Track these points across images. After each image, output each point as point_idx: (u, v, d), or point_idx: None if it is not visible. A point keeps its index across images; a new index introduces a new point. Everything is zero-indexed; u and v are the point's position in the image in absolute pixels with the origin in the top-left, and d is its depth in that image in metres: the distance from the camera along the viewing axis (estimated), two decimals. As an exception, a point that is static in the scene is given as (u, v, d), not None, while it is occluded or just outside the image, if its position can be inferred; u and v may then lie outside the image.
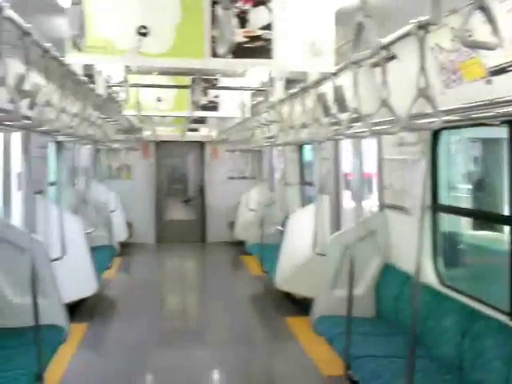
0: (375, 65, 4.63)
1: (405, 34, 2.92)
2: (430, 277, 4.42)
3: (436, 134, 4.43)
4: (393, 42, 3.10)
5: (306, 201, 8.88)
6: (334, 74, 4.31)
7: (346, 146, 6.79)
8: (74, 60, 4.02)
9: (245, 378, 5.36)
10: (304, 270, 6.54)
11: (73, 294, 6.40)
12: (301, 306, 7.17)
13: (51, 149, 6.67)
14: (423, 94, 2.82)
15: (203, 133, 12.92)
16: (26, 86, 3.64)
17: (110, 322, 7.11)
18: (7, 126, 3.96)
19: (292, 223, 7.29)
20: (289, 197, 9.36)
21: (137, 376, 5.32)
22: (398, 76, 3.85)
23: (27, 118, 3.85)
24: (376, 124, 3.67)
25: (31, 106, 4.91)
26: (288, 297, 7.71)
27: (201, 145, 13.76)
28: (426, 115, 3.19)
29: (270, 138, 9.00)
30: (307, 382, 5.13)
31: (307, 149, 8.78)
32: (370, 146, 5.84)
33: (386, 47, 3.19)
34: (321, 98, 5.55)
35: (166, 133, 12.82)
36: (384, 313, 5.03)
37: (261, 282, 9.03)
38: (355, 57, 3.48)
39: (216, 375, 5.51)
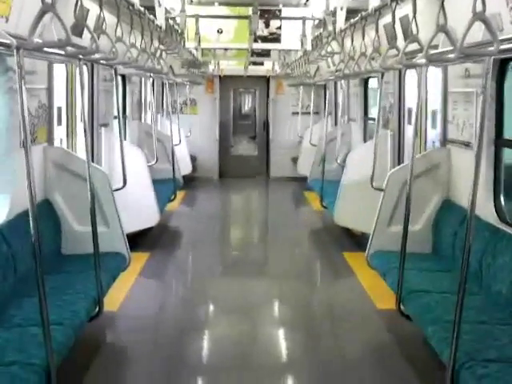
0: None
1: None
2: (489, 214, 4.27)
3: (503, 65, 4.17)
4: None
5: (369, 136, 8.68)
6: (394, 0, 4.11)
7: (411, 80, 6.54)
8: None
9: (302, 308, 5.44)
10: (362, 205, 6.46)
11: (135, 224, 6.56)
12: (358, 241, 7.17)
13: (117, 83, 6.74)
14: (480, 17, 2.64)
15: (267, 67, 12.74)
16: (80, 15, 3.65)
17: (171, 252, 7.30)
18: (60, 55, 3.95)
19: (352, 159, 7.19)
20: (351, 132, 9.19)
21: (196, 304, 5.45)
22: (464, 6, 3.62)
23: (82, 47, 3.85)
24: (435, 53, 3.50)
25: (92, 41, 4.94)
26: (346, 232, 7.70)
27: (266, 80, 13.62)
28: (486, 44, 3.00)
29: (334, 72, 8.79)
30: (360, 314, 5.16)
31: (372, 83, 8.51)
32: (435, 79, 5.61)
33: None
34: (385, 28, 5.34)
35: (229, 67, 12.72)
36: (441, 249, 4.92)
37: (321, 217, 9.05)
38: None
39: (275, 305, 5.61)
